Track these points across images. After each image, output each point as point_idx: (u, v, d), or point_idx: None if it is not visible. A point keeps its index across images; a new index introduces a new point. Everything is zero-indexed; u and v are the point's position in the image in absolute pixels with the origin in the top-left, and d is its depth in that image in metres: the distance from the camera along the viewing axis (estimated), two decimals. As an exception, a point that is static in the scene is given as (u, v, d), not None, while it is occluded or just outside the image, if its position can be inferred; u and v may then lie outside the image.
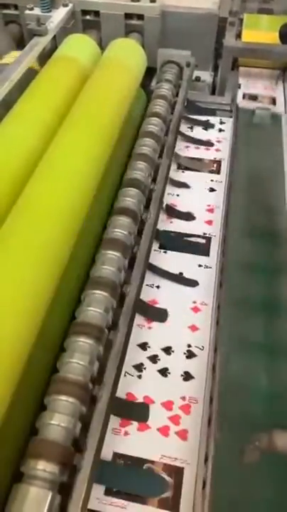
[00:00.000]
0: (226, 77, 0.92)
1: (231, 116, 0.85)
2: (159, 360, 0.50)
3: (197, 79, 0.94)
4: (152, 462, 0.42)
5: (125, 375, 0.48)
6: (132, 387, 0.47)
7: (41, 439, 0.37)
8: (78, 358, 0.42)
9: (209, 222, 0.65)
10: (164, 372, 0.49)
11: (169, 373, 0.49)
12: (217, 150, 0.78)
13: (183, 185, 0.71)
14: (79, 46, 0.80)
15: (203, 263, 0.60)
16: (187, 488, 0.39)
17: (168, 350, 0.51)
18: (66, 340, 0.44)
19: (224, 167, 0.74)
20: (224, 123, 0.84)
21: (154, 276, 0.58)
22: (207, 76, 0.97)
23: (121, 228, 0.54)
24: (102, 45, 0.90)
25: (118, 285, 0.49)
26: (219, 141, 0.80)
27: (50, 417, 0.38)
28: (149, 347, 0.51)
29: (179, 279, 0.58)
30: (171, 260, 0.60)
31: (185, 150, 0.78)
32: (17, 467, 0.37)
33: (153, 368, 0.49)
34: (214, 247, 0.62)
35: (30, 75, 0.78)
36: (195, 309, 0.55)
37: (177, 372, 0.49)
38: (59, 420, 0.38)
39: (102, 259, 0.51)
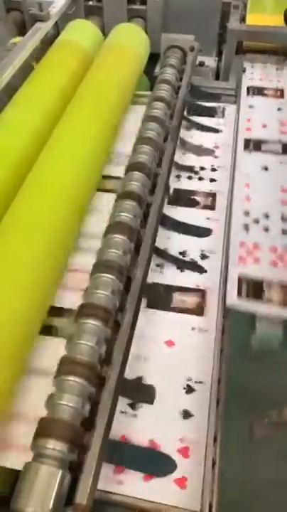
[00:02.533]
0: (230, 62, 0.91)
1: (235, 102, 0.84)
2: None
3: (201, 64, 0.93)
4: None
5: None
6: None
7: (50, 419, 0.37)
8: (86, 340, 0.42)
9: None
10: None
11: None
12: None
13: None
14: (82, 32, 0.80)
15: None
16: None
17: None
18: (74, 322, 0.44)
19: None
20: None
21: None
22: (211, 61, 0.96)
23: (126, 212, 0.54)
24: (105, 31, 0.89)
25: (124, 268, 0.49)
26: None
27: (59, 397, 0.38)
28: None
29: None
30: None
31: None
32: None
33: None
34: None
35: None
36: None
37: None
38: (67, 400, 0.38)
39: (108, 243, 0.51)
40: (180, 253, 0.58)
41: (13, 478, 0.36)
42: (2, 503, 0.35)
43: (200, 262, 0.57)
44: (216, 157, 0.72)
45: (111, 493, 0.39)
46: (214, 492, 0.38)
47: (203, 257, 0.58)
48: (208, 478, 0.38)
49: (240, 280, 0.52)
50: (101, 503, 0.38)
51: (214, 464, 0.39)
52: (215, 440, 0.40)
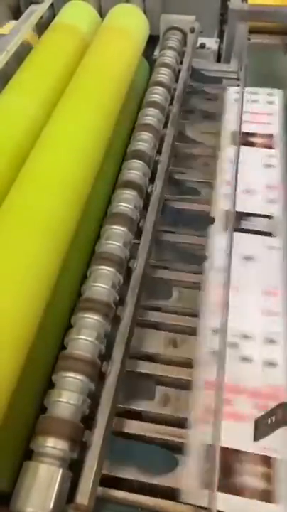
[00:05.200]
0: (232, 43, 0.88)
1: (238, 85, 0.82)
2: None
3: (202, 46, 0.90)
4: None
5: None
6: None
7: (50, 417, 0.37)
8: (85, 334, 0.41)
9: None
10: None
11: None
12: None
13: None
14: (79, 14, 0.77)
15: None
16: None
17: None
18: (73, 317, 0.44)
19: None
20: None
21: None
22: (212, 43, 0.93)
23: (126, 202, 0.52)
24: (102, 12, 0.86)
25: (124, 260, 0.48)
26: None
27: (59, 394, 0.38)
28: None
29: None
30: None
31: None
32: (27, 445, 0.37)
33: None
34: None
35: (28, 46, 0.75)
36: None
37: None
38: (67, 398, 0.37)
39: (107, 234, 0.50)
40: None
41: (15, 475, 0.35)
42: (4, 500, 0.34)
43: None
44: None
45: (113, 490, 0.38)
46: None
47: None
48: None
49: None
50: (103, 501, 0.37)
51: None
52: None
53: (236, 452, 0.38)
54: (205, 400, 0.42)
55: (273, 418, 0.34)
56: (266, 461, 0.37)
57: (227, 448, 0.38)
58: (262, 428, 0.35)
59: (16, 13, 0.90)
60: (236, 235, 0.55)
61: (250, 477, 0.37)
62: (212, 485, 0.36)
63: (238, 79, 0.82)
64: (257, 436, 0.36)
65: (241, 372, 0.43)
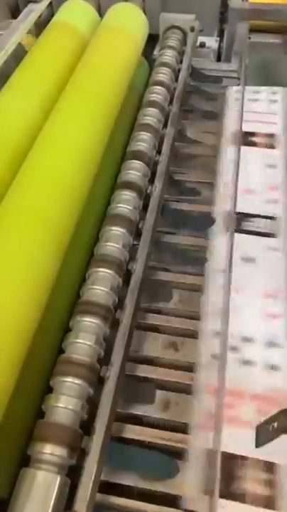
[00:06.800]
0: (232, 42, 0.87)
1: (238, 84, 0.81)
2: None
3: (202, 45, 0.89)
4: None
5: None
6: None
7: (48, 422, 0.36)
8: (84, 338, 0.40)
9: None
10: None
11: None
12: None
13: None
14: (77, 12, 0.76)
15: None
16: None
17: None
18: (71, 320, 0.43)
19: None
20: None
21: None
22: (212, 42, 0.92)
23: (125, 203, 0.52)
24: (101, 11, 0.86)
25: (123, 262, 0.47)
26: None
27: (56, 399, 0.37)
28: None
29: None
30: None
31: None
32: (24, 451, 0.36)
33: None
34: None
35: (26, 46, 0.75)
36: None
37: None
38: (66, 403, 0.37)
39: (106, 236, 0.49)
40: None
41: (12, 482, 0.35)
42: (1, 507, 0.34)
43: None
44: None
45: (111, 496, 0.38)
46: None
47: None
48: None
49: None
50: (102, 508, 0.37)
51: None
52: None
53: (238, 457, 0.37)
54: (206, 404, 0.41)
55: (275, 424, 0.33)
56: (270, 467, 0.36)
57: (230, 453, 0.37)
58: (264, 434, 0.35)
59: (15, 12, 0.89)
60: (238, 236, 0.54)
61: (252, 483, 0.36)
62: (213, 491, 0.35)
63: (238, 78, 0.82)
64: (259, 442, 0.35)
65: (243, 376, 0.42)
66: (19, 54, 0.70)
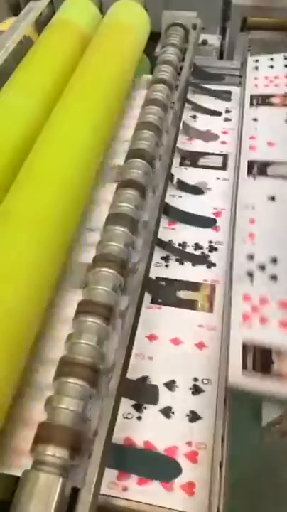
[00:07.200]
0: (235, 40, 0.87)
1: (240, 83, 0.80)
2: None
3: (204, 42, 0.89)
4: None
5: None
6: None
7: (49, 424, 0.36)
8: (86, 339, 0.40)
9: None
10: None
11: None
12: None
13: None
14: (79, 10, 0.76)
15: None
16: None
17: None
18: (73, 320, 0.43)
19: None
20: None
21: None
22: (214, 39, 0.91)
23: (127, 202, 0.51)
24: (103, 9, 0.85)
25: (126, 262, 0.47)
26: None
27: (58, 400, 0.37)
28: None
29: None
30: None
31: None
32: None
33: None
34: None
35: (27, 43, 0.74)
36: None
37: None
38: (67, 404, 0.36)
39: (109, 235, 0.49)
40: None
41: (14, 484, 0.35)
42: (3, 510, 0.34)
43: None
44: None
45: (114, 497, 0.37)
46: (221, 496, 0.36)
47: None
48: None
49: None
50: (105, 509, 0.36)
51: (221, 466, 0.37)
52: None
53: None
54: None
55: (279, 426, 0.33)
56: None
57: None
58: (268, 434, 0.34)
59: (16, 10, 0.89)
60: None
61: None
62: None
63: (240, 76, 0.81)
64: (263, 441, 0.35)
65: None
66: (20, 51, 0.70)
